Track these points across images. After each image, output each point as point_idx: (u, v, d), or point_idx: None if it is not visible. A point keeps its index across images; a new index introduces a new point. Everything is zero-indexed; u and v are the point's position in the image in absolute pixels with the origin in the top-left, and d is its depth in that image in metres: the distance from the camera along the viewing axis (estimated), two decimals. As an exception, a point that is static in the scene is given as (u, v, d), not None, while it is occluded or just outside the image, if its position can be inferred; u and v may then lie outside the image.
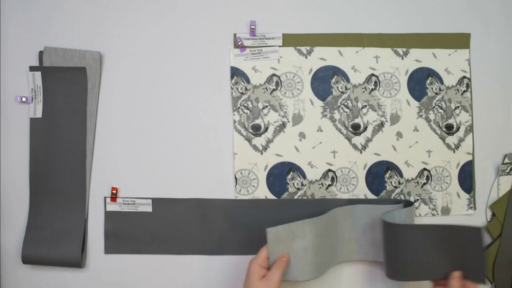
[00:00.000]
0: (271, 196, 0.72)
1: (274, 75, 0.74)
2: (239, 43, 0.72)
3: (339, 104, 0.74)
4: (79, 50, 0.69)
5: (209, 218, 0.71)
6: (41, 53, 0.69)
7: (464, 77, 0.77)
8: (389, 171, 0.74)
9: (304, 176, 0.73)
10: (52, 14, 0.71)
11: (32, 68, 0.68)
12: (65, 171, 0.68)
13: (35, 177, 0.69)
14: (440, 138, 0.76)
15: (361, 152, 0.74)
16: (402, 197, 0.74)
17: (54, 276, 0.70)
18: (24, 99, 0.68)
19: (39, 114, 0.68)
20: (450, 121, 0.76)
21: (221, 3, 0.73)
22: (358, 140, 0.74)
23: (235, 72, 0.73)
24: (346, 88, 0.75)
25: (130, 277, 0.71)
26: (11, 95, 0.70)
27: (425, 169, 0.75)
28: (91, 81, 0.69)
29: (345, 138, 0.74)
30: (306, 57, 0.74)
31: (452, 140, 0.76)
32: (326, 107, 0.74)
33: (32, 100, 0.68)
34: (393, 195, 0.74)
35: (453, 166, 0.76)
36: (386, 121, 0.75)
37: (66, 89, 0.68)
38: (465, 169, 0.76)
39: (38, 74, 0.68)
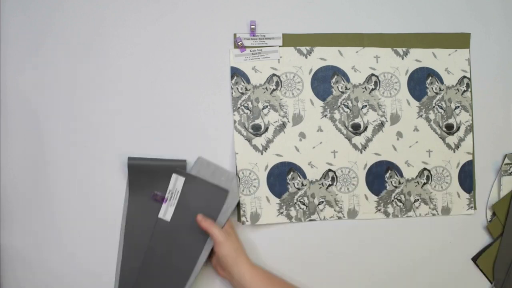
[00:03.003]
0: (271, 196, 0.72)
1: (274, 75, 0.74)
2: (239, 43, 0.72)
3: (339, 104, 0.74)
4: (229, 172, 0.70)
5: None
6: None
7: (464, 77, 0.77)
8: (389, 171, 0.74)
9: (305, 176, 0.73)
10: (52, 14, 0.71)
11: (178, 172, 0.68)
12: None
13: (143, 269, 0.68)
14: (440, 138, 0.76)
15: (361, 152, 0.74)
16: (402, 197, 0.74)
17: (54, 276, 0.70)
18: (158, 194, 0.68)
19: (168, 217, 0.68)
20: (450, 121, 0.76)
21: (221, 3, 0.73)
22: (358, 140, 0.74)
23: (235, 72, 0.73)
24: (346, 88, 0.75)
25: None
26: (11, 95, 0.70)
27: (425, 169, 0.75)
28: (226, 204, 0.69)
29: (345, 138, 0.74)
30: (306, 57, 0.74)
31: (452, 140, 0.76)
32: (326, 107, 0.74)
33: (166, 201, 0.68)
34: (393, 195, 0.74)
35: (453, 166, 0.76)
36: (386, 121, 0.75)
37: (201, 203, 0.68)
38: (465, 169, 0.76)
39: (181, 179, 0.68)
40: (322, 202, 0.73)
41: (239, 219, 0.72)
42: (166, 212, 0.68)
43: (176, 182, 0.68)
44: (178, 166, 0.68)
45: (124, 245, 0.69)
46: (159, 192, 0.68)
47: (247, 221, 0.71)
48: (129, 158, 0.68)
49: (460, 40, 0.77)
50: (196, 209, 0.68)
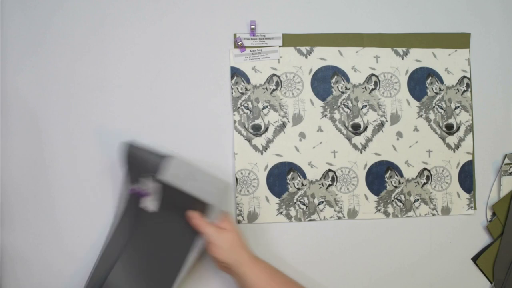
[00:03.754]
0: (271, 196, 0.72)
1: (274, 75, 0.74)
2: (239, 43, 0.72)
3: (339, 104, 0.74)
4: (220, 180, 0.64)
5: None
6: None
7: (464, 77, 0.77)
8: (389, 171, 0.74)
9: (304, 176, 0.73)
10: (52, 14, 0.71)
11: (153, 179, 0.61)
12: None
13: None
14: (440, 138, 0.76)
15: (361, 152, 0.74)
16: (402, 197, 0.74)
17: (54, 277, 0.70)
18: (136, 189, 0.64)
19: (151, 209, 0.64)
20: (450, 121, 0.76)
21: (221, 3, 0.73)
22: (358, 140, 0.74)
23: (235, 72, 0.73)
24: (346, 88, 0.75)
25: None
26: (11, 95, 0.70)
27: (425, 169, 0.75)
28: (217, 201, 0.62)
29: (345, 138, 0.74)
30: (306, 57, 0.74)
31: (452, 140, 0.76)
32: (326, 107, 0.74)
33: (148, 195, 0.64)
34: (393, 195, 0.74)
35: (453, 166, 0.76)
36: (386, 121, 0.75)
37: (186, 203, 0.62)
38: (465, 169, 0.76)
39: (158, 185, 0.61)
40: (322, 202, 0.73)
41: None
42: (148, 203, 0.64)
43: (154, 184, 0.62)
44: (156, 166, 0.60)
45: (109, 242, 0.65)
46: (136, 187, 0.63)
47: (243, 220, 0.71)
48: (129, 145, 0.62)
49: (460, 40, 0.77)
50: (183, 205, 0.62)
